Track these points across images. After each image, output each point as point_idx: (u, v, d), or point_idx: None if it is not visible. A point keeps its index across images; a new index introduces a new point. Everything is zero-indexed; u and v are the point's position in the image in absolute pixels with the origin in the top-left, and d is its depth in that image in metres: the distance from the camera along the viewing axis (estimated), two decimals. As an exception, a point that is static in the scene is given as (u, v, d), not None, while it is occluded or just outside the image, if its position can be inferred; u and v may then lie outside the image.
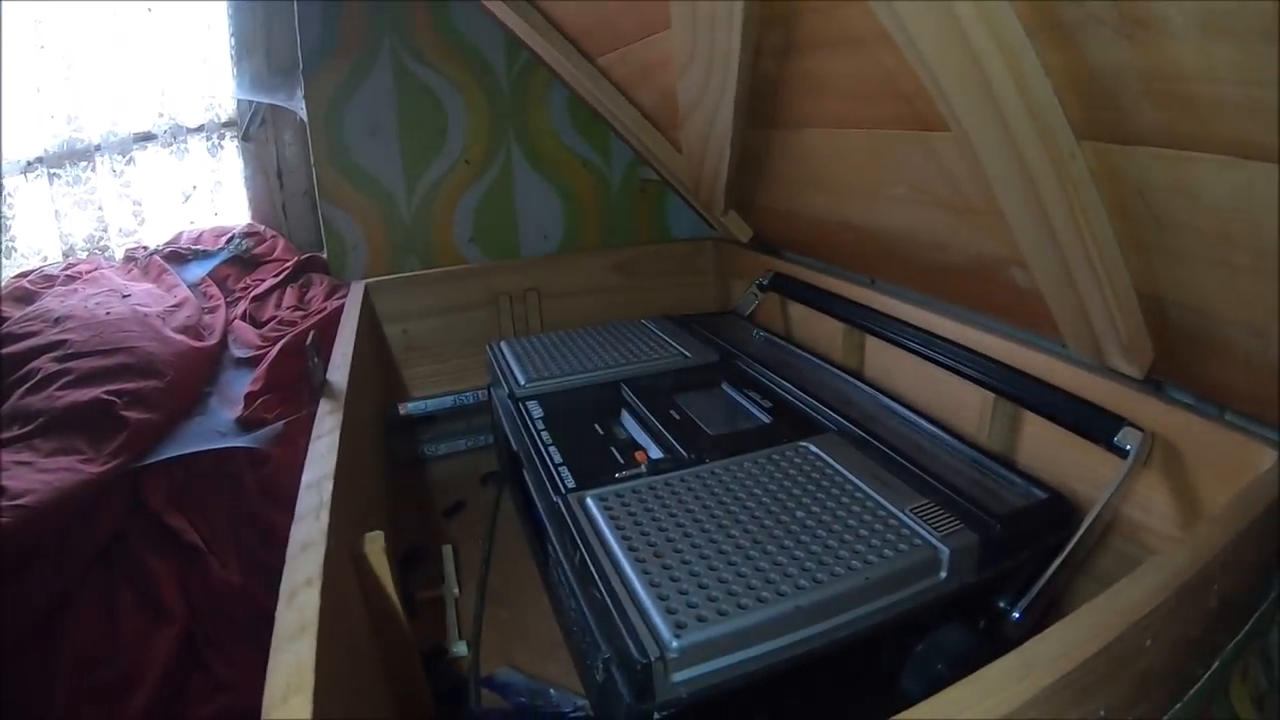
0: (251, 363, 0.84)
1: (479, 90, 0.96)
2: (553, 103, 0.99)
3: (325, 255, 0.98)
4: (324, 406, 0.55)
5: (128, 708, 0.57)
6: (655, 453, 0.57)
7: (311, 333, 0.63)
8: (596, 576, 0.42)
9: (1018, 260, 0.50)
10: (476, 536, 0.74)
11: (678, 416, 0.61)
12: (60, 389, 0.70)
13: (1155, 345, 0.47)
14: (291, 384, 0.80)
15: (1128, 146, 0.38)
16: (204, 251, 1.13)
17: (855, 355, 0.75)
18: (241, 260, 1.12)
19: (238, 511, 0.70)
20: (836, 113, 0.59)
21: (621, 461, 0.55)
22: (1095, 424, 0.48)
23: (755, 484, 0.49)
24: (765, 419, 0.62)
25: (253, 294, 1.01)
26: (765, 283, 0.86)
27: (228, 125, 1.25)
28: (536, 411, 0.64)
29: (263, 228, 1.21)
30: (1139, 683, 0.31)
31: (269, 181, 1.27)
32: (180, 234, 1.20)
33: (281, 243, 1.17)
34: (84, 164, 1.16)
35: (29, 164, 1.13)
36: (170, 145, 1.22)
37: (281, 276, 1.04)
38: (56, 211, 1.16)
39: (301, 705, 0.27)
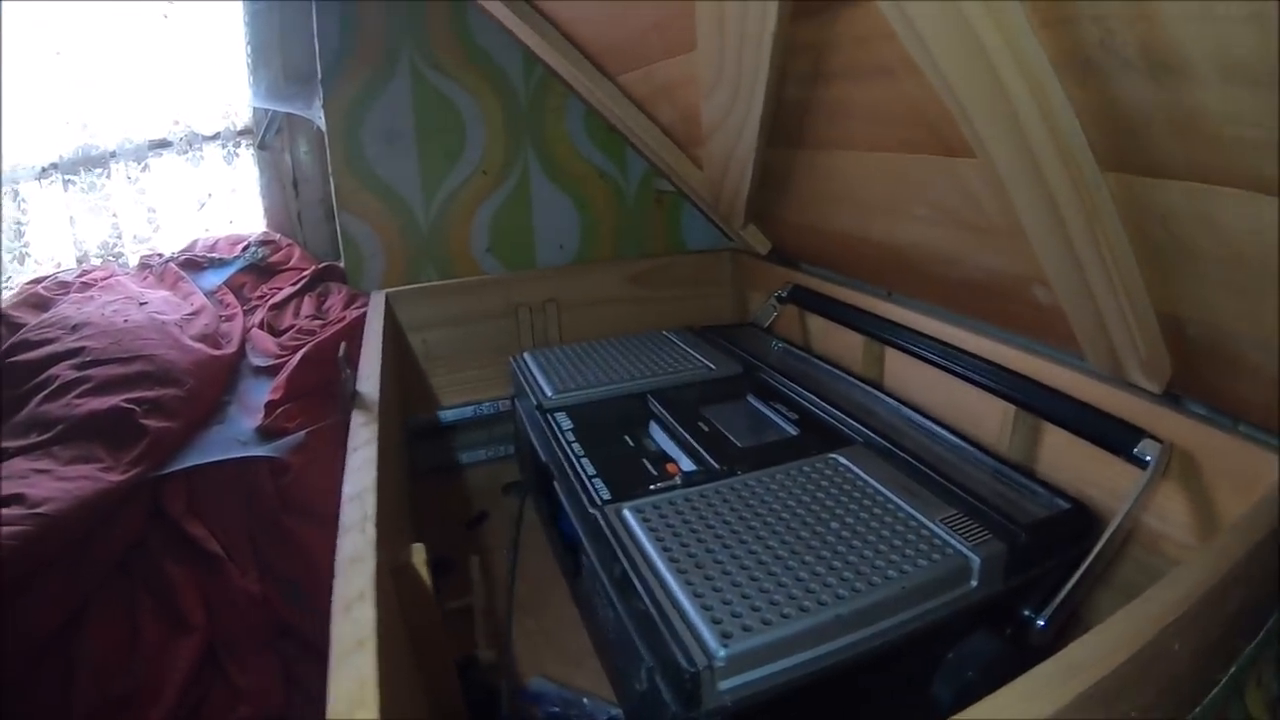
0: (270, 371, 0.84)
1: (497, 100, 0.96)
2: (569, 114, 1.00)
3: (342, 264, 0.98)
4: (357, 418, 0.55)
5: (147, 718, 0.56)
6: (686, 464, 0.58)
7: (343, 344, 0.64)
8: (639, 587, 0.43)
9: (1039, 278, 0.52)
10: (498, 546, 0.75)
11: (706, 428, 0.63)
12: (79, 396, 0.70)
13: (1173, 361, 0.48)
14: (312, 393, 0.79)
15: (1151, 179, 0.40)
16: (220, 259, 1.13)
17: (875, 367, 0.76)
18: (257, 268, 1.12)
19: (258, 520, 0.70)
20: (862, 136, 0.61)
21: (654, 473, 0.56)
22: (1116, 435, 0.50)
23: (789, 495, 0.50)
24: (793, 431, 0.63)
25: (270, 302, 1.01)
26: (784, 295, 0.88)
27: (243, 133, 1.26)
28: (565, 423, 0.65)
29: (278, 236, 1.22)
30: (1166, 685, 0.32)
31: (284, 190, 1.28)
32: (195, 241, 1.20)
33: (298, 251, 1.17)
34: (99, 170, 1.16)
35: (44, 170, 1.13)
36: (185, 152, 1.23)
37: (299, 285, 1.04)
38: (71, 217, 1.16)
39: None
